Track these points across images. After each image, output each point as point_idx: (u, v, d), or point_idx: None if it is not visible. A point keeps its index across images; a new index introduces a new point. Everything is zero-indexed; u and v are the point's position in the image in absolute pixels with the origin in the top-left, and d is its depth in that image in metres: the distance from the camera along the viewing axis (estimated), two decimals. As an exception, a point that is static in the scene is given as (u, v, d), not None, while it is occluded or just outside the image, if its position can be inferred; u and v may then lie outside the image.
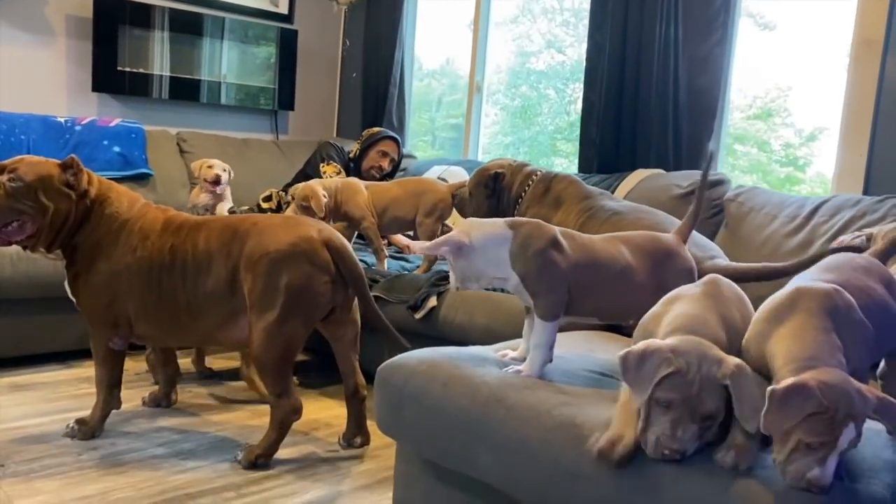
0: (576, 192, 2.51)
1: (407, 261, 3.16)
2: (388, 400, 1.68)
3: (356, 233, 3.04)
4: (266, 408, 2.18)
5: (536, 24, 4.15)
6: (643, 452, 1.22)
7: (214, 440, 2.31)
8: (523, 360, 1.64)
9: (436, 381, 1.60)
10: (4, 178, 2.08)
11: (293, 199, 2.91)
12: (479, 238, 1.56)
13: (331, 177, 3.39)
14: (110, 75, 3.78)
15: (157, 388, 2.57)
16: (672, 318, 1.29)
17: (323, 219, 2.75)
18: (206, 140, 3.92)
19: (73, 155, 2.17)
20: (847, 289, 1.23)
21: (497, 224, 1.59)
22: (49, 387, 2.70)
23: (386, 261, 2.96)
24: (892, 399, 1.10)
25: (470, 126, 4.10)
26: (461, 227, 1.60)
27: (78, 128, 3.53)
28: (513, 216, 2.56)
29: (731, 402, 1.18)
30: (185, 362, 2.68)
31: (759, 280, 2.03)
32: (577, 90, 3.66)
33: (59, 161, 2.16)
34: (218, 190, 3.25)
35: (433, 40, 4.48)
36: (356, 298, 2.22)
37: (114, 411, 2.30)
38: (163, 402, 2.55)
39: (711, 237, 2.55)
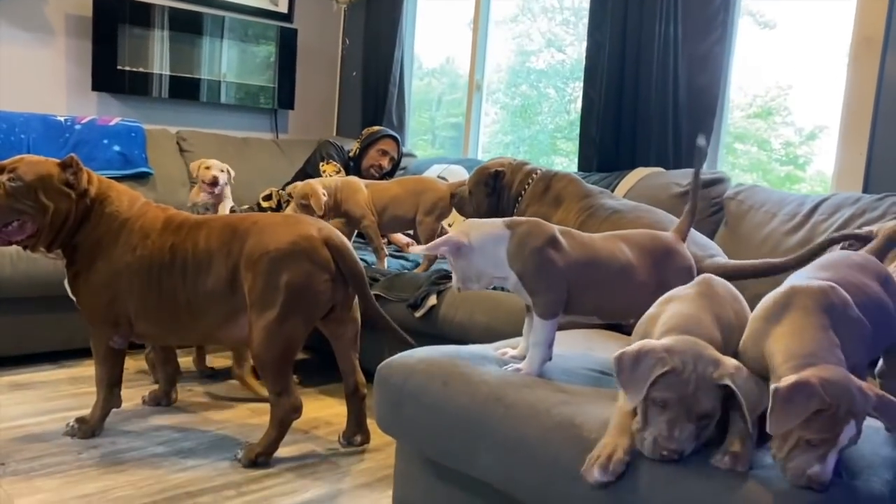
0: (576, 190, 2.51)
1: (407, 259, 3.16)
2: (388, 398, 1.68)
3: (356, 231, 3.04)
4: (266, 406, 2.19)
5: (536, 23, 4.15)
6: (641, 453, 1.23)
7: (215, 439, 2.32)
8: (523, 358, 1.64)
9: (435, 379, 1.60)
10: (4, 177, 2.08)
11: (290, 196, 2.91)
12: (478, 238, 1.57)
13: (330, 176, 3.39)
14: (110, 74, 3.78)
15: (157, 386, 2.58)
16: (667, 319, 1.30)
17: (322, 217, 2.75)
18: (206, 139, 3.92)
19: (72, 154, 2.17)
20: (842, 286, 1.23)
21: (495, 224, 1.61)
22: (49, 385, 2.70)
23: (386, 259, 2.96)
24: (891, 397, 1.10)
25: (470, 125, 4.09)
26: (461, 227, 1.62)
27: (78, 127, 3.53)
28: (512, 214, 2.56)
29: (726, 401, 1.18)
30: (185, 361, 2.68)
31: (759, 277, 2.03)
32: (577, 89, 3.66)
33: (58, 160, 2.16)
34: (216, 191, 3.24)
35: (433, 39, 4.48)
36: (356, 297, 2.22)
37: (114, 410, 2.30)
38: (163, 400, 2.55)
39: (711, 235, 2.55)
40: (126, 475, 2.03)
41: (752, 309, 1.31)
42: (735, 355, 1.24)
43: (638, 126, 3.12)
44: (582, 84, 3.31)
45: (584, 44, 3.30)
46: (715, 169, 3.02)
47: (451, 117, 4.58)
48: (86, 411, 2.29)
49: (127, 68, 3.82)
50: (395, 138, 3.66)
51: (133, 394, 2.56)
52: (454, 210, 2.86)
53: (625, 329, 2.09)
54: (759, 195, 2.62)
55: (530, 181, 2.57)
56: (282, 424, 2.13)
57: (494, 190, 2.61)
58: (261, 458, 2.13)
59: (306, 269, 2.06)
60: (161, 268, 2.14)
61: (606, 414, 1.33)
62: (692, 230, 2.21)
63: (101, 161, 3.44)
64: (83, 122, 3.56)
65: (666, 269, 1.68)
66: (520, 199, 2.57)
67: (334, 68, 4.69)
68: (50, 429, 2.29)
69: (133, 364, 2.79)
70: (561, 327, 1.63)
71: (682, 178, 2.78)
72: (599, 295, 1.63)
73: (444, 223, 3.01)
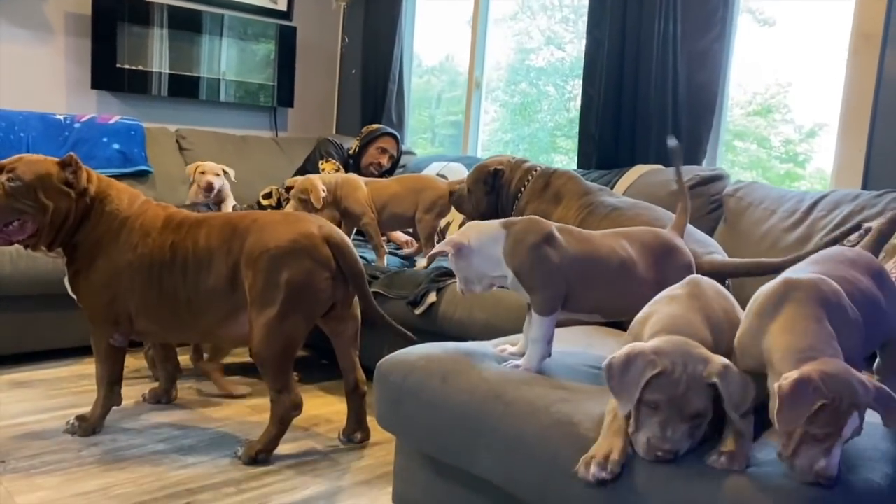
0: (575, 187, 2.51)
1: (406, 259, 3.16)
2: (388, 395, 1.68)
3: (355, 229, 3.04)
4: (266, 404, 2.19)
5: (536, 21, 4.14)
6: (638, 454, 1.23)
7: (215, 436, 2.32)
8: (522, 355, 1.64)
9: (435, 376, 1.60)
10: (3, 177, 2.08)
11: (287, 190, 2.91)
12: (477, 239, 1.60)
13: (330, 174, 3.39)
14: (109, 72, 3.78)
15: (157, 384, 2.58)
16: (656, 320, 1.30)
17: (320, 210, 2.76)
18: (206, 137, 3.92)
19: (71, 153, 2.17)
20: (833, 280, 1.23)
21: (492, 225, 1.64)
22: (49, 383, 2.70)
23: (385, 257, 2.97)
24: (889, 389, 1.10)
25: (469, 123, 4.09)
26: (462, 230, 1.65)
27: (77, 125, 3.53)
28: (512, 212, 2.56)
29: (720, 400, 1.19)
30: (185, 359, 2.68)
31: (756, 276, 2.04)
32: (576, 87, 3.66)
33: (57, 159, 2.16)
34: (212, 196, 3.25)
35: (432, 37, 4.47)
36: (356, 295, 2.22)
37: (114, 408, 2.30)
38: (163, 398, 2.55)
39: (710, 232, 2.55)
40: (126, 472, 2.03)
41: (743, 307, 1.31)
42: (727, 354, 1.24)
43: (637, 123, 3.12)
44: (581, 82, 3.31)
45: (584, 41, 3.30)
46: (714, 166, 3.02)
47: (450, 115, 4.58)
48: (86, 409, 2.30)
49: (126, 66, 3.82)
50: (394, 136, 3.66)
51: (133, 391, 2.56)
52: (453, 208, 2.86)
53: (625, 326, 2.09)
54: (759, 192, 2.62)
55: (529, 179, 2.57)
56: (282, 422, 2.13)
57: (493, 188, 2.61)
58: (261, 456, 2.13)
59: (307, 266, 2.07)
60: (162, 266, 2.14)
61: (605, 412, 1.33)
62: (692, 228, 2.22)
63: (100, 159, 3.44)
64: (82, 120, 3.56)
65: (666, 266, 1.69)
66: (519, 196, 2.57)
67: (334, 66, 4.69)
68: (50, 426, 2.29)
69: (133, 362, 2.79)
70: (563, 325, 1.64)
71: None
72: (600, 292, 1.64)
73: (443, 221, 3.01)
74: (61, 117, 3.52)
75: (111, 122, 3.62)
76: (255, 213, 2.24)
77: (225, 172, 3.31)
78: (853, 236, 1.98)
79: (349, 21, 4.57)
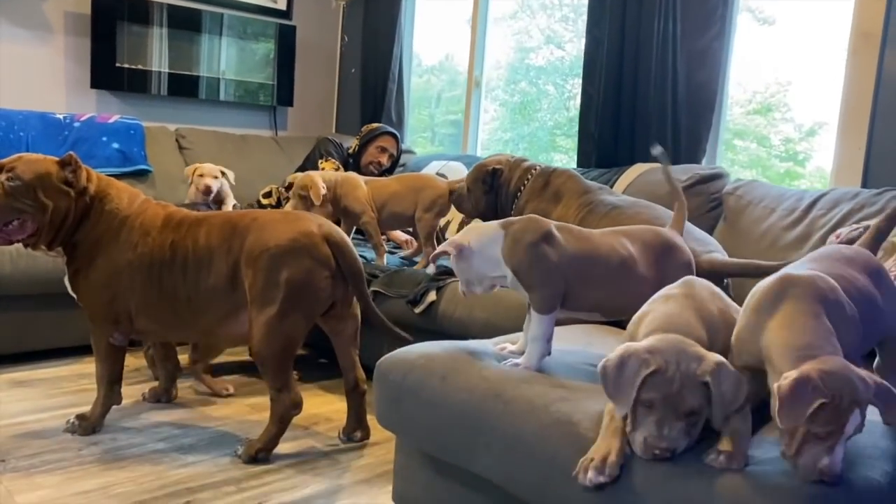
0: (575, 186, 2.51)
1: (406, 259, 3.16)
2: (387, 394, 1.68)
3: (354, 228, 3.04)
4: (266, 402, 2.19)
5: (535, 20, 4.14)
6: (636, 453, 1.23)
7: (215, 435, 2.32)
8: (522, 353, 1.65)
9: (434, 375, 1.60)
10: (3, 177, 2.08)
11: (287, 189, 2.91)
12: (476, 240, 1.62)
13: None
14: (109, 72, 3.78)
15: (157, 383, 2.58)
16: (651, 319, 1.31)
17: (317, 208, 2.76)
18: (205, 136, 3.92)
19: (71, 152, 2.17)
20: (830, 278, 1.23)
21: (491, 226, 1.66)
22: (49, 383, 2.70)
23: (385, 256, 2.97)
24: (889, 385, 1.10)
25: (469, 122, 4.09)
26: (463, 231, 1.67)
27: (77, 124, 3.53)
28: (511, 211, 2.56)
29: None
30: (185, 358, 2.68)
31: (754, 277, 2.04)
32: (576, 86, 3.66)
33: (57, 158, 2.16)
34: (210, 199, 3.25)
35: (432, 36, 4.47)
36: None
37: (114, 407, 2.30)
38: (163, 397, 2.55)
39: (710, 231, 2.55)
40: (126, 471, 2.03)
41: (741, 305, 1.31)
42: (723, 353, 1.24)
43: (637, 122, 3.12)
44: (581, 80, 3.31)
45: (584, 40, 3.30)
46: (714, 165, 3.02)
47: (450, 114, 4.58)
48: (86, 408, 2.30)
49: (126, 66, 3.82)
50: (394, 135, 3.66)
51: (133, 391, 2.56)
52: (453, 207, 2.86)
53: (625, 325, 2.09)
54: (758, 190, 2.62)
55: (529, 178, 2.57)
56: (282, 420, 2.13)
57: (492, 187, 2.61)
58: (261, 454, 2.13)
59: (306, 265, 2.07)
60: (162, 265, 2.14)
61: (603, 411, 1.33)
62: (691, 226, 2.22)
63: (100, 159, 3.44)
64: (82, 119, 3.56)
65: (667, 265, 1.69)
66: (518, 195, 2.57)
67: (333, 65, 4.69)
68: (50, 425, 2.30)
69: (133, 361, 2.79)
70: (563, 324, 1.64)
71: (681, 173, 2.78)
72: (599, 290, 1.64)
73: (443, 220, 3.01)
74: (61, 116, 3.52)
75: (111, 121, 3.62)
76: (255, 212, 2.24)
77: (224, 174, 3.31)
78: (853, 234, 1.98)
79: (349, 20, 4.57)
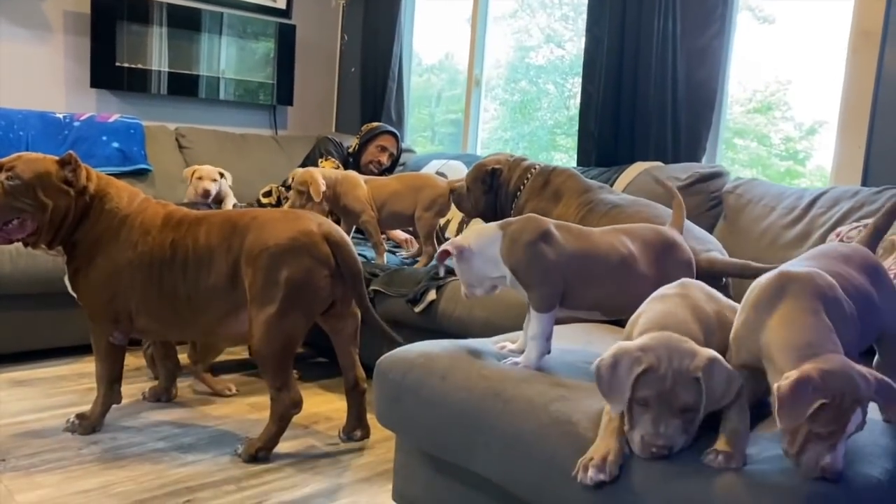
0: (575, 185, 2.50)
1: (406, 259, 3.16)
2: (387, 393, 1.68)
3: (354, 227, 3.04)
4: (266, 401, 2.19)
5: (535, 19, 4.14)
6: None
7: (215, 434, 2.32)
8: (522, 352, 1.65)
9: (434, 373, 1.60)
10: (2, 176, 2.08)
11: (287, 188, 2.91)
12: (476, 242, 1.63)
13: (329, 172, 3.39)
14: (109, 71, 3.78)
15: (157, 382, 2.58)
16: (646, 318, 1.31)
17: (316, 205, 2.76)
18: (205, 135, 3.92)
19: (71, 151, 2.17)
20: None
21: (490, 226, 1.67)
22: (49, 382, 2.71)
23: (385, 255, 2.97)
24: (889, 381, 1.10)
25: (469, 121, 4.09)
26: (464, 233, 1.69)
27: (76, 124, 3.53)
28: (511, 211, 2.56)
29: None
30: (185, 357, 2.68)
31: (753, 277, 2.03)
32: (576, 85, 3.66)
33: (57, 157, 2.16)
34: (209, 201, 3.25)
35: (432, 35, 4.47)
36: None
37: (114, 406, 2.31)
38: (163, 396, 2.55)
39: (710, 229, 2.55)
40: (126, 471, 2.03)
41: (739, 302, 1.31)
42: (720, 352, 1.24)
43: (637, 121, 3.12)
44: (581, 79, 3.31)
45: (583, 39, 3.29)
46: (714, 163, 3.02)
47: (450, 113, 4.58)
48: (86, 407, 2.30)
49: (125, 65, 3.82)
50: (394, 134, 3.66)
51: (133, 390, 2.56)
52: (453, 206, 2.86)
53: (624, 324, 2.09)
54: (758, 189, 2.62)
55: (528, 177, 2.57)
56: (282, 419, 2.13)
57: (492, 187, 2.61)
58: (261, 453, 2.13)
59: (306, 264, 2.07)
60: (162, 264, 2.14)
61: (602, 410, 1.33)
62: (691, 224, 2.22)
63: (99, 158, 3.44)
64: (82, 118, 3.56)
65: (667, 263, 1.69)
66: (518, 194, 2.57)
67: (333, 64, 4.69)
68: (50, 425, 2.30)
69: (133, 360, 2.79)
70: (562, 322, 1.64)
71: (681, 172, 2.79)
72: (599, 289, 1.64)
73: (442, 220, 3.01)
74: (61, 116, 3.52)
75: (110, 120, 3.62)
76: (255, 211, 2.24)
77: (222, 176, 3.31)
78: (853, 233, 1.98)
79: (348, 19, 4.57)
